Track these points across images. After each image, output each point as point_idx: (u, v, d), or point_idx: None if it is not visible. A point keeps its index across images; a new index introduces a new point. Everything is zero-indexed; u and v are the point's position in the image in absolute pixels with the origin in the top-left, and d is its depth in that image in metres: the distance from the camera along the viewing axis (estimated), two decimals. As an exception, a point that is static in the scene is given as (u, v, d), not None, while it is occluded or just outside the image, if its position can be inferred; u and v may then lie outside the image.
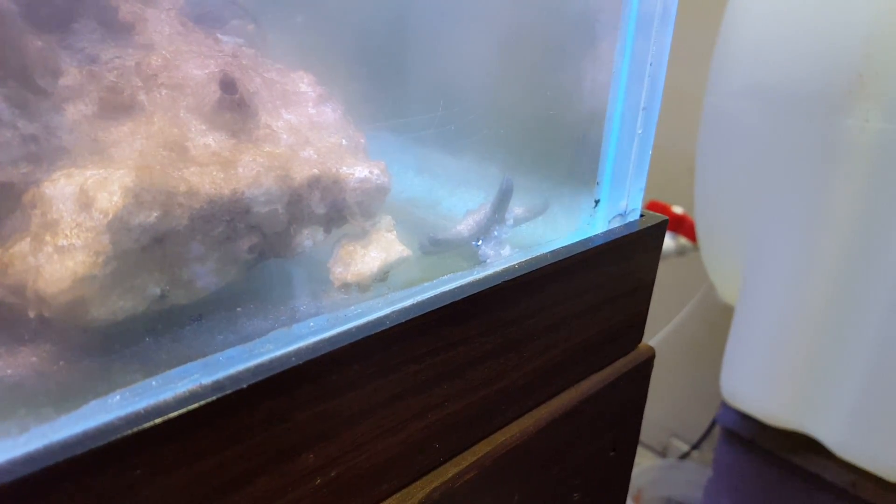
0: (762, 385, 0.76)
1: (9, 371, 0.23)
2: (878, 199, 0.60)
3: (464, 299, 0.29)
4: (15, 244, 0.24)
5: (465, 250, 0.35)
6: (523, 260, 0.32)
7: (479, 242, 0.35)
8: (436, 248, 0.35)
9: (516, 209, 0.36)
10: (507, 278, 0.31)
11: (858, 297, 0.64)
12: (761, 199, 0.70)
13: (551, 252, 0.34)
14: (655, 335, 1.15)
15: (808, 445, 0.76)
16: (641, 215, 0.40)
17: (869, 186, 0.61)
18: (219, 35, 0.35)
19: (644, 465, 1.21)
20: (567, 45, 0.37)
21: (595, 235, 0.37)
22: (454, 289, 0.29)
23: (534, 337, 0.34)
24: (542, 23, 0.38)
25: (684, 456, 1.23)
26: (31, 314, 0.23)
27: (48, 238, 0.23)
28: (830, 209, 0.64)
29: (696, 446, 1.20)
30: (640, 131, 0.37)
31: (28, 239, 0.24)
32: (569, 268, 0.34)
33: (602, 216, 0.38)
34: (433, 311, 0.28)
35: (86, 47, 0.29)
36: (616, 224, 0.38)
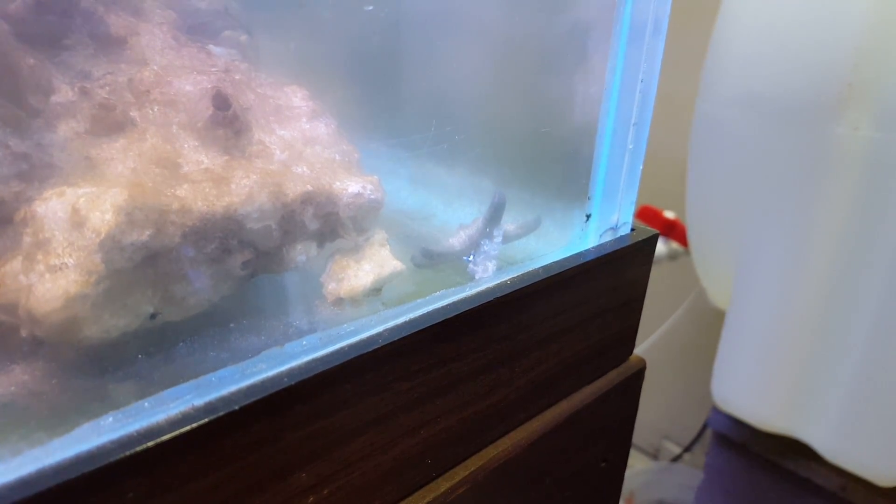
0: (753, 390, 0.76)
1: (0, 390, 0.23)
2: (868, 205, 0.61)
3: (456, 316, 0.29)
4: (7, 263, 0.24)
5: (459, 265, 0.35)
6: (515, 276, 0.33)
7: (471, 257, 0.35)
8: (428, 260, 0.35)
9: (508, 226, 0.36)
10: (499, 294, 0.31)
11: (848, 302, 0.65)
12: (752, 206, 0.71)
13: (543, 267, 0.34)
14: (647, 338, 1.15)
15: (798, 450, 0.76)
16: (632, 229, 0.40)
17: (858, 193, 0.61)
18: (211, 47, 0.35)
19: (636, 467, 1.22)
20: (559, 63, 0.37)
21: (587, 250, 0.37)
22: (446, 305, 0.29)
23: (525, 352, 0.34)
24: (535, 41, 0.38)
25: (676, 458, 1.24)
26: (24, 333, 0.23)
27: (40, 257, 0.23)
28: (820, 215, 0.64)
29: (688, 448, 1.20)
30: (630, 146, 0.37)
31: (20, 258, 0.24)
32: (560, 283, 0.34)
33: (593, 230, 0.38)
34: (425, 328, 0.28)
35: (78, 63, 0.29)
36: (607, 238, 0.39)
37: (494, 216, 0.35)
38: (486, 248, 0.35)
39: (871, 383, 0.65)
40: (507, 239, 0.37)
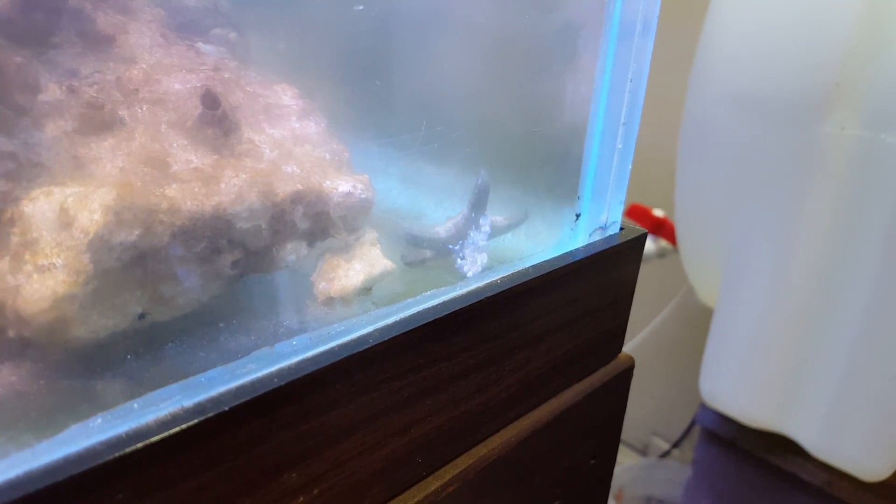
0: (741, 387, 0.77)
1: (-12, 391, 0.23)
2: (854, 204, 0.62)
3: (446, 316, 0.29)
4: (-6, 263, 0.24)
5: (448, 263, 0.35)
6: (505, 275, 0.33)
7: (458, 247, 0.35)
8: (414, 244, 0.35)
9: (496, 217, 0.37)
10: (489, 294, 0.31)
11: (835, 300, 0.65)
12: (741, 204, 0.71)
13: (533, 266, 0.34)
14: (637, 335, 1.16)
15: (785, 446, 0.77)
16: (621, 228, 0.41)
17: (845, 192, 0.62)
18: (200, 44, 0.35)
19: (625, 463, 1.23)
20: (549, 63, 0.37)
21: (576, 249, 0.37)
22: (437, 305, 0.30)
23: (515, 350, 0.34)
24: (524, 40, 0.38)
25: (665, 454, 1.24)
26: (11, 334, 0.23)
27: (28, 257, 0.23)
28: (808, 214, 0.65)
29: (676, 444, 1.21)
30: (620, 146, 0.37)
31: (7, 258, 0.24)
32: (550, 282, 0.34)
33: (583, 229, 0.38)
34: (416, 328, 0.28)
35: (65, 61, 0.28)
36: (597, 237, 0.39)
37: (479, 200, 0.35)
38: (473, 238, 0.35)
39: (857, 380, 0.66)
40: (495, 231, 0.37)
